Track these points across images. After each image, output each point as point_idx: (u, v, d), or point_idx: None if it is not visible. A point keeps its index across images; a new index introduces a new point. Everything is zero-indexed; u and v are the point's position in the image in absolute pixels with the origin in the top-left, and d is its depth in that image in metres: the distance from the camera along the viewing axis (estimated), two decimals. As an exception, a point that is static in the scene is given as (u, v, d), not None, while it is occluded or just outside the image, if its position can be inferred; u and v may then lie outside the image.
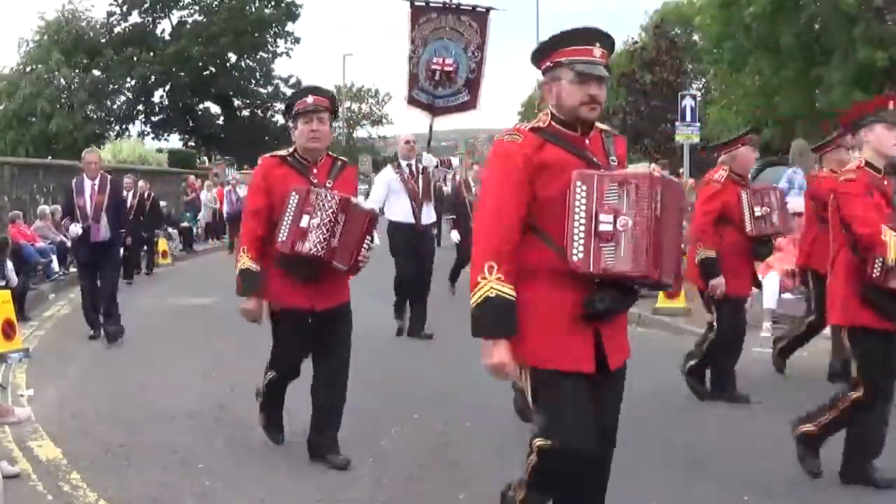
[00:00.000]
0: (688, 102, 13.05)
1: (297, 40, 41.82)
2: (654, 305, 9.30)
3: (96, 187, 8.33)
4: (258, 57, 41.09)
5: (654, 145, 20.10)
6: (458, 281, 11.00)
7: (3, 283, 9.19)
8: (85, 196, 8.28)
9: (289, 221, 4.19)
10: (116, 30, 38.63)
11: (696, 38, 25.00)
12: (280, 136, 43.01)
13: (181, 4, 39.66)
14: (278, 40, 41.52)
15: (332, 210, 4.21)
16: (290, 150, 4.51)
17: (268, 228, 4.33)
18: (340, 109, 60.81)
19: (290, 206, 4.21)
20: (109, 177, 8.63)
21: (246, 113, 42.09)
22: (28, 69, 34.37)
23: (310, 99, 4.47)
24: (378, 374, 6.63)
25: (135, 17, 39.06)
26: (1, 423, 5.22)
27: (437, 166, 8.87)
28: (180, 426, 5.31)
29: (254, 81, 41.50)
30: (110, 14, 38.26)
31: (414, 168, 8.13)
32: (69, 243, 10.38)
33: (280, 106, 42.54)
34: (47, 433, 5.11)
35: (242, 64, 41.03)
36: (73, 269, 11.47)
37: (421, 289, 8.41)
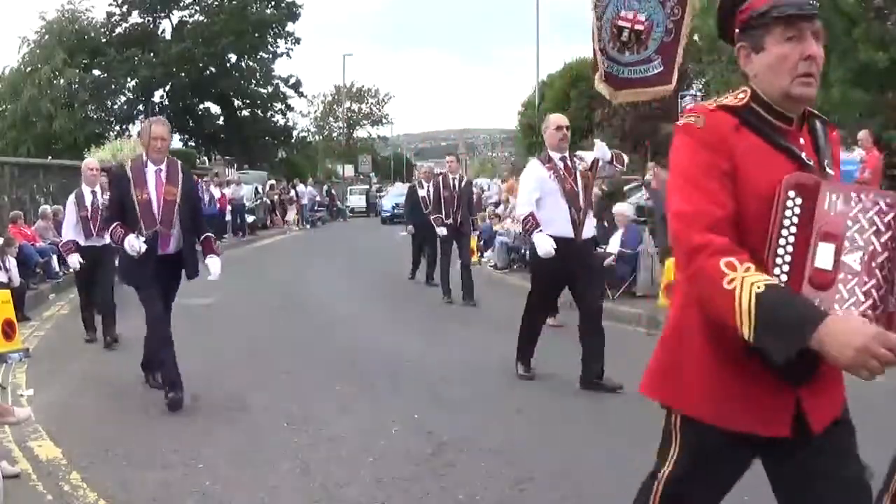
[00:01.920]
0: (688, 103, 13.03)
1: (297, 41, 41.95)
2: (655, 305, 9.29)
3: (164, 175, 5.78)
4: (258, 57, 41.14)
5: (654, 147, 20.09)
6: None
7: (6, 281, 9.19)
8: (149, 188, 5.74)
9: (789, 254, 1.98)
10: (117, 30, 38.68)
11: (695, 37, 24.97)
12: (280, 137, 43.18)
13: (182, 5, 39.71)
14: (279, 40, 41.62)
15: (889, 232, 1.95)
16: (742, 96, 2.16)
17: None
18: (340, 109, 60.59)
19: (787, 220, 1.99)
20: (180, 162, 6.09)
21: (246, 113, 42.14)
22: (29, 69, 34.39)
23: None
24: (378, 375, 6.64)
25: (135, 18, 39.15)
26: (1, 423, 5.21)
27: (610, 161, 6.32)
28: (180, 426, 5.31)
29: (254, 82, 41.55)
30: (110, 14, 38.32)
31: (569, 163, 6.15)
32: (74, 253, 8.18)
33: (280, 106, 42.70)
34: (47, 433, 5.12)
35: (243, 64, 41.12)
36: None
37: (590, 320, 6.17)
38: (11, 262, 9.72)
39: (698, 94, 15.74)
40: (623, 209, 11.42)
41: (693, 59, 24.03)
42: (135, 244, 5.62)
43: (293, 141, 45.01)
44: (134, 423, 5.39)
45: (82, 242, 8.11)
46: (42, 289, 11.44)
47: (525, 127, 43.98)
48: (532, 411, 5.57)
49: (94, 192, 8.28)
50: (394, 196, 34.38)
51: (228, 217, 23.42)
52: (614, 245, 10.60)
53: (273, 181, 31.07)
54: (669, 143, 2.19)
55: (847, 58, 15.05)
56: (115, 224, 5.81)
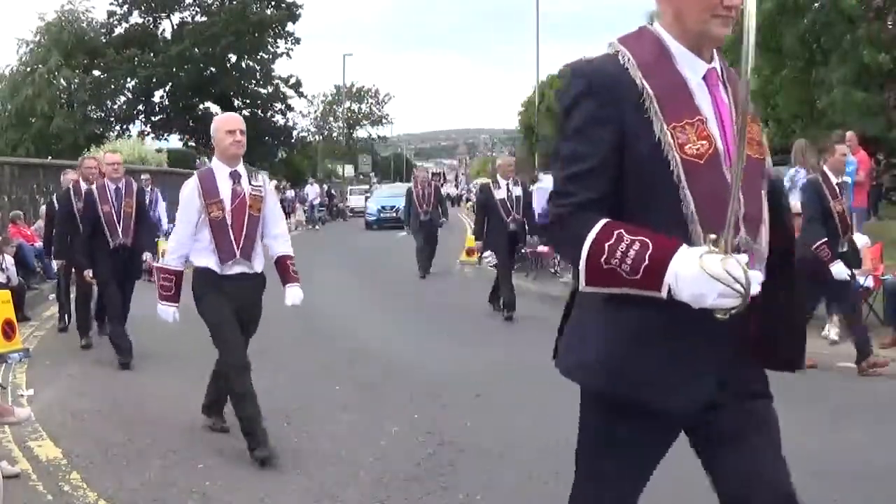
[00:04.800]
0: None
1: (297, 41, 41.96)
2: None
3: (726, 97, 2.03)
4: (259, 57, 41.16)
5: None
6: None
7: (5, 281, 9.19)
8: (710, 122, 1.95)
9: None
10: (117, 30, 38.70)
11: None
12: (280, 137, 43.22)
13: (182, 5, 39.72)
14: (279, 41, 41.62)
15: None
16: None
17: None
18: (340, 109, 60.76)
19: None
20: None
21: (246, 113, 42.16)
22: (28, 70, 34.42)
23: None
24: (378, 375, 6.64)
25: (135, 18, 39.17)
26: (1, 423, 5.22)
27: None
28: (180, 426, 5.31)
29: (254, 82, 41.58)
30: (110, 14, 38.33)
31: None
32: None
33: (280, 106, 42.74)
34: (47, 433, 5.11)
35: (243, 64, 41.13)
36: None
37: None
38: (9, 262, 9.70)
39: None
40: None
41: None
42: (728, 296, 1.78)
43: (293, 141, 45.02)
44: (134, 423, 5.38)
45: (226, 270, 4.59)
46: (42, 289, 11.43)
47: (525, 127, 44.03)
48: (532, 411, 5.57)
49: (235, 175, 4.69)
50: (382, 198, 30.22)
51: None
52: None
53: (275, 181, 31.12)
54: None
55: (848, 58, 15.06)
56: (599, 221, 1.89)
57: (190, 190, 4.67)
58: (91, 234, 7.39)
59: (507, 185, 9.49)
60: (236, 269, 4.61)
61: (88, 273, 7.42)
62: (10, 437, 5.03)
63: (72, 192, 8.09)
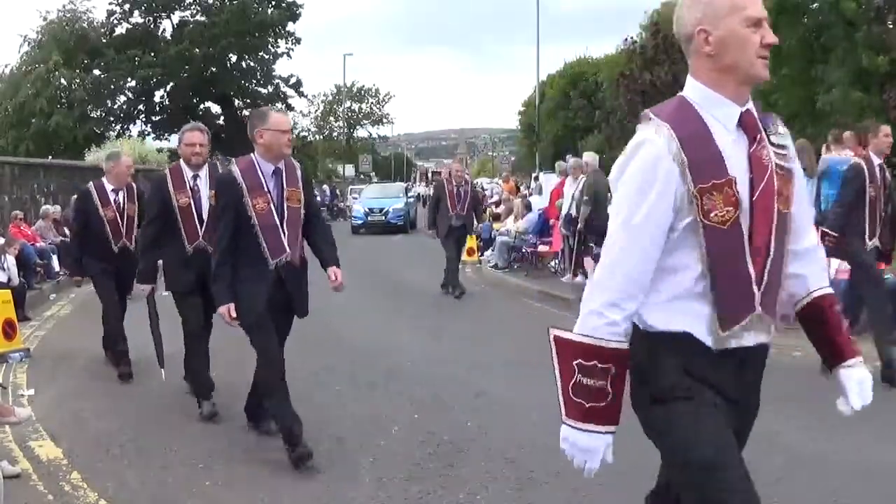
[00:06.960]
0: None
1: (297, 40, 41.97)
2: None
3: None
4: (259, 57, 41.18)
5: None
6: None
7: (6, 280, 9.19)
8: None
9: None
10: (118, 30, 38.72)
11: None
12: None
13: (183, 5, 39.74)
14: (279, 40, 41.65)
15: None
16: None
17: None
18: (340, 109, 60.55)
19: None
20: None
21: (246, 113, 42.18)
22: (28, 69, 34.44)
23: None
24: (378, 375, 6.64)
25: (136, 18, 39.17)
26: (1, 423, 5.23)
27: None
28: (180, 426, 5.31)
29: (254, 82, 41.61)
30: (111, 14, 38.34)
31: None
32: None
33: (280, 106, 42.73)
34: (47, 433, 5.12)
35: (243, 64, 41.13)
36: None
37: None
38: (10, 262, 9.71)
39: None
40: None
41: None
42: None
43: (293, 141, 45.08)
44: (134, 422, 5.39)
45: (733, 341, 2.10)
46: (42, 289, 11.44)
47: (525, 127, 44.02)
48: (533, 411, 5.57)
49: (752, 124, 2.09)
50: (369, 199, 27.18)
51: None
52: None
53: None
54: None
55: (847, 60, 15.08)
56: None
57: (653, 160, 2.03)
58: (229, 245, 4.47)
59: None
60: (750, 339, 2.12)
61: (230, 310, 4.57)
62: (10, 437, 5.04)
63: (168, 183, 5.55)
